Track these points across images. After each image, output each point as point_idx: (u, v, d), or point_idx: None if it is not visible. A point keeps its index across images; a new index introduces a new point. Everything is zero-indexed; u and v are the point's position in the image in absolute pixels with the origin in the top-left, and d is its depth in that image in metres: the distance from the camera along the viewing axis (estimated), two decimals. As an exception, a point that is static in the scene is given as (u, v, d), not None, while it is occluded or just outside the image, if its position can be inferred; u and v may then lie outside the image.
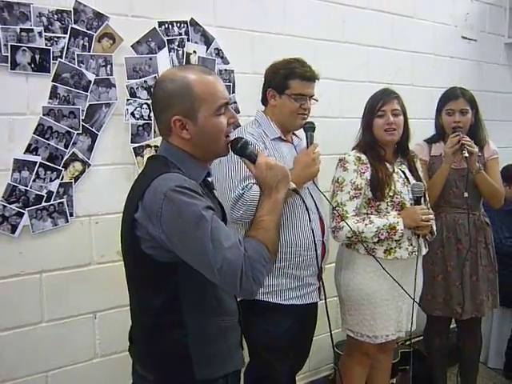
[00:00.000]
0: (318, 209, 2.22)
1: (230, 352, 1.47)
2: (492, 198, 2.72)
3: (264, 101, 2.21)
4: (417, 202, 2.30)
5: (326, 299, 1.85)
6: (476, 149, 2.56)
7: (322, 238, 2.21)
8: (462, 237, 2.65)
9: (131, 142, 2.30)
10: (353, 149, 2.39)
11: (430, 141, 2.77)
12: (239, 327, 1.53)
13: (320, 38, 2.88)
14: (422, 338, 3.25)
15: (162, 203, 1.27)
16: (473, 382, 2.86)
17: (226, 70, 2.53)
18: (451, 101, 2.65)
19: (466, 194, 2.61)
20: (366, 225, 2.24)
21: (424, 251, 2.40)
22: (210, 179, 1.57)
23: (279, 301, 2.10)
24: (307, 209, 2.12)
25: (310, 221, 2.12)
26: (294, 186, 1.50)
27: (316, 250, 2.10)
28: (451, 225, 2.67)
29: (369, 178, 2.29)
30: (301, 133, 2.25)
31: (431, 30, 3.43)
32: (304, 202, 2.04)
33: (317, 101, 2.18)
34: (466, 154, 2.51)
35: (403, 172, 2.38)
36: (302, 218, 2.13)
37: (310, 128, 2.17)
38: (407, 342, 3.26)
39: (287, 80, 2.10)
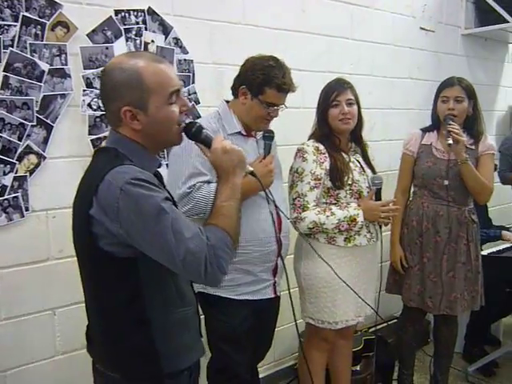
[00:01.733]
0: (275, 204, 2.17)
1: (193, 342, 1.47)
2: (477, 193, 2.63)
3: (234, 93, 2.13)
4: (377, 194, 2.33)
5: (289, 290, 1.81)
6: (464, 138, 2.51)
7: (280, 234, 2.16)
8: (441, 229, 2.61)
9: (88, 134, 2.25)
10: (309, 138, 2.40)
11: (426, 129, 2.76)
12: (198, 316, 1.53)
13: (280, 27, 2.87)
14: (385, 324, 3.32)
15: (119, 197, 1.22)
16: (447, 369, 2.90)
17: (185, 59, 2.49)
18: (446, 88, 2.62)
19: (446, 182, 2.58)
20: (327, 216, 2.26)
21: (379, 237, 2.45)
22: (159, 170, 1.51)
23: (232, 296, 2.09)
24: (275, 205, 2.11)
25: (272, 217, 2.09)
26: (250, 168, 1.49)
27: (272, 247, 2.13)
28: (431, 215, 2.64)
29: (328, 167, 2.30)
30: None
31: (390, 21, 3.45)
32: (268, 197, 2.04)
33: (286, 107, 2.13)
34: (450, 141, 2.44)
35: (358, 161, 2.42)
36: (260, 214, 2.10)
37: (269, 137, 2.13)
38: (371, 329, 3.32)
39: (264, 86, 2.03)
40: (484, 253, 3.11)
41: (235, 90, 2.10)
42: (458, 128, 2.49)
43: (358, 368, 2.95)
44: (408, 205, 2.77)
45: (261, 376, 2.96)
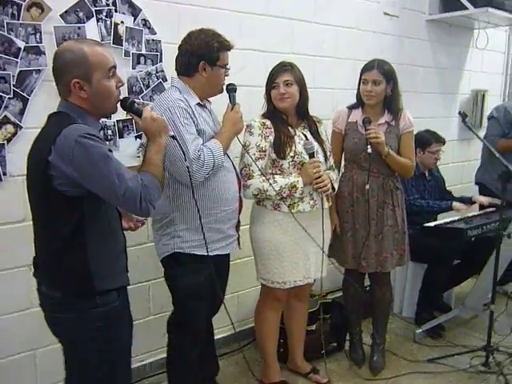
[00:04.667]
0: (234, 167, 2.46)
1: (120, 271, 1.85)
2: (402, 173, 2.98)
3: (190, 71, 2.29)
4: (310, 157, 2.57)
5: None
6: (383, 137, 2.77)
7: (239, 193, 2.46)
8: (370, 198, 2.88)
9: (62, 106, 2.45)
10: (260, 116, 2.65)
11: (351, 107, 3.00)
12: (125, 254, 1.92)
13: (244, 11, 3.06)
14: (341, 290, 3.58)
15: (74, 147, 1.57)
16: (382, 328, 3.18)
17: (153, 40, 2.69)
18: (366, 71, 2.87)
19: (369, 150, 2.76)
20: (270, 184, 2.51)
21: (326, 205, 2.69)
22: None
23: (204, 253, 2.27)
24: (234, 168, 2.43)
25: (236, 178, 2.42)
26: (172, 133, 1.90)
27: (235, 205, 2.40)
28: (360, 186, 2.90)
29: (272, 140, 2.56)
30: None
31: (354, 6, 3.64)
32: (231, 160, 2.40)
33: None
34: (369, 151, 2.75)
35: (305, 135, 2.65)
36: (226, 176, 2.36)
37: (232, 89, 2.40)
38: (329, 296, 3.59)
39: (219, 52, 2.28)
40: (431, 224, 3.37)
41: (193, 67, 2.28)
42: (374, 131, 2.77)
43: (313, 328, 3.21)
44: (340, 178, 3.00)
45: (224, 335, 3.25)
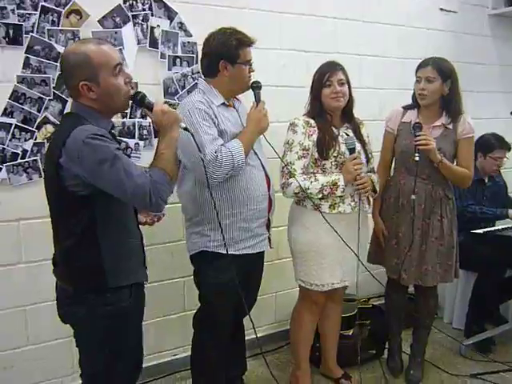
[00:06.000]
0: (263, 166, 2.43)
1: (135, 267, 1.87)
2: (457, 183, 2.78)
3: (213, 72, 2.32)
4: (351, 153, 2.52)
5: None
6: (433, 144, 2.59)
7: (268, 192, 2.43)
8: (416, 206, 2.70)
9: (98, 108, 2.58)
10: (303, 115, 2.61)
11: (407, 107, 2.86)
12: (142, 249, 1.94)
13: (284, 11, 3.05)
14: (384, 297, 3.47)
15: (82, 148, 1.60)
16: (422, 339, 3.03)
17: (188, 42, 2.76)
18: (421, 68, 2.73)
19: (417, 158, 2.58)
20: (311, 182, 2.48)
21: (367, 208, 2.64)
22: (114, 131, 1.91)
23: (232, 251, 2.29)
24: (263, 167, 2.42)
25: (266, 177, 2.40)
26: (184, 125, 1.84)
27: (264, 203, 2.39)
28: (407, 193, 2.73)
29: (315, 139, 2.52)
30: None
31: (405, 2, 3.52)
32: (260, 159, 2.39)
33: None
34: (417, 158, 2.56)
35: (347, 134, 2.59)
36: (254, 174, 2.36)
37: (257, 87, 2.38)
38: (371, 301, 3.50)
39: (238, 50, 2.27)
40: (480, 230, 3.17)
41: (214, 68, 2.30)
42: (425, 137, 2.58)
43: (350, 333, 3.15)
44: (388, 181, 2.88)
45: (262, 335, 3.25)
